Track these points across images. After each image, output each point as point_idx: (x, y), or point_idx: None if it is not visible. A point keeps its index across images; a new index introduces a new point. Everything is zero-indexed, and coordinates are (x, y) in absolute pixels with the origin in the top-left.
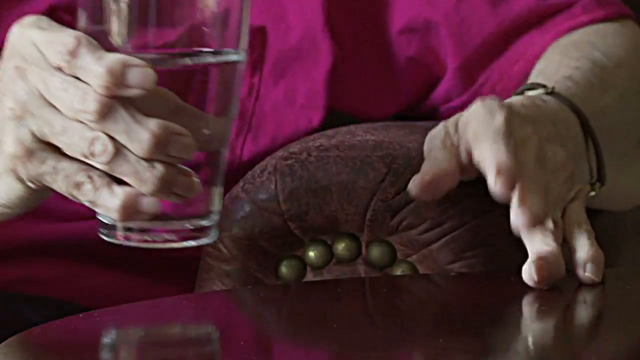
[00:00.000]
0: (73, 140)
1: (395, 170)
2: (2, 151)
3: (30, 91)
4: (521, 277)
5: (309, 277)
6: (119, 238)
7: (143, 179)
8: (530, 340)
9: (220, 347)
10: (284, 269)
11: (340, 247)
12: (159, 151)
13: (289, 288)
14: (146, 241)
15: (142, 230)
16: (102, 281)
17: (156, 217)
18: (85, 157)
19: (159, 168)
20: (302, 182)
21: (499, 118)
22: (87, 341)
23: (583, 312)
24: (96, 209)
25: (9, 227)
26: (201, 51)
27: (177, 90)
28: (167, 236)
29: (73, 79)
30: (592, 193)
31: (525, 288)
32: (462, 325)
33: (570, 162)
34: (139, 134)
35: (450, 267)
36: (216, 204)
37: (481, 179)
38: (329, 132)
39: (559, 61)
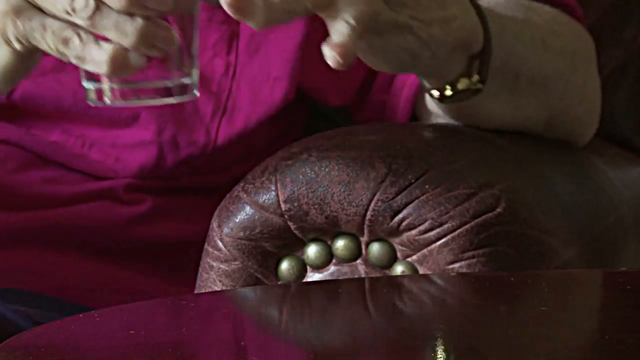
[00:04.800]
0: None
1: (395, 171)
2: None
3: None
4: (521, 277)
5: (309, 277)
6: (104, 99)
7: (124, 31)
8: (530, 340)
9: (220, 347)
10: (284, 269)
11: (340, 247)
12: (136, 3)
13: (289, 288)
14: (129, 99)
15: (124, 91)
16: (84, 272)
17: (137, 77)
18: (67, 13)
19: (139, 20)
20: (302, 182)
21: None
22: (87, 341)
23: (583, 312)
24: (84, 65)
25: None
26: None
27: None
28: (149, 95)
29: None
30: (473, 87)
31: (525, 288)
32: (462, 325)
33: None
34: None
35: (450, 267)
36: (194, 63)
37: (483, 183)
38: (329, 132)
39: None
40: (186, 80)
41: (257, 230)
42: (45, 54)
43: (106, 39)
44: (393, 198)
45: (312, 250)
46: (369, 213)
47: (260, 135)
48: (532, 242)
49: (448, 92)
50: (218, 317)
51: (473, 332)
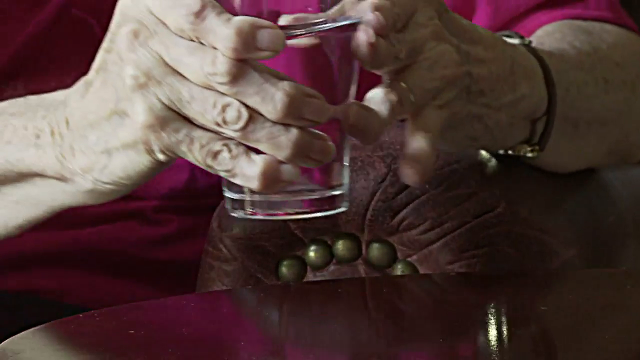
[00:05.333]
0: (203, 108)
1: (395, 171)
2: (125, 124)
3: (152, 57)
4: (521, 277)
5: (309, 277)
6: (247, 213)
7: (279, 143)
8: (530, 340)
9: (220, 347)
10: (284, 269)
11: (340, 247)
12: (294, 113)
13: (289, 288)
14: (275, 214)
15: (271, 203)
16: (107, 292)
17: (283, 189)
18: (218, 125)
19: (294, 131)
20: None
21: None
22: (87, 341)
23: (583, 312)
24: (234, 179)
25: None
26: (317, 22)
27: (299, 59)
28: (296, 208)
29: (198, 42)
30: (530, 154)
31: (525, 288)
32: (462, 325)
33: (462, 68)
34: (273, 95)
35: (450, 267)
36: (345, 173)
37: (483, 183)
38: None
39: (558, 33)
40: (337, 192)
41: (257, 230)
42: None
43: (257, 150)
44: (393, 198)
45: (312, 250)
46: (369, 213)
47: None
48: (532, 242)
49: (501, 152)
50: (218, 317)
51: (473, 332)
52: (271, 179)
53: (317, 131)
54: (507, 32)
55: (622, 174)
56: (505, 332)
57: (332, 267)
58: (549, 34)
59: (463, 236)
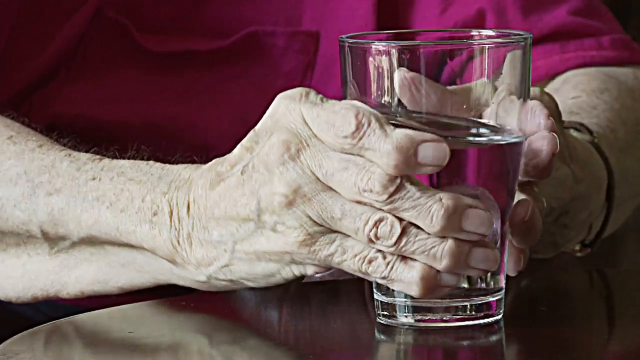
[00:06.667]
0: (355, 225)
1: None
2: (269, 236)
3: (303, 174)
4: (522, 277)
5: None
6: (397, 317)
7: (434, 255)
8: (530, 340)
9: (220, 347)
10: None
11: None
12: (453, 226)
13: (289, 288)
14: (429, 320)
15: (425, 308)
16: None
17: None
18: (370, 240)
19: (450, 242)
20: None
21: None
22: (87, 341)
23: (583, 312)
24: (391, 285)
25: None
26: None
27: (457, 167)
28: (449, 314)
29: (352, 156)
30: (578, 254)
31: (525, 288)
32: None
33: (573, 192)
34: (431, 209)
35: None
36: (504, 276)
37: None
38: None
39: (595, 95)
40: (496, 297)
41: None
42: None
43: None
44: None
45: None
46: None
47: None
48: None
49: None
50: (218, 317)
51: (472, 331)
52: (431, 285)
53: (482, 240)
54: (577, 124)
55: None
56: (504, 332)
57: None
58: (588, 94)
59: None
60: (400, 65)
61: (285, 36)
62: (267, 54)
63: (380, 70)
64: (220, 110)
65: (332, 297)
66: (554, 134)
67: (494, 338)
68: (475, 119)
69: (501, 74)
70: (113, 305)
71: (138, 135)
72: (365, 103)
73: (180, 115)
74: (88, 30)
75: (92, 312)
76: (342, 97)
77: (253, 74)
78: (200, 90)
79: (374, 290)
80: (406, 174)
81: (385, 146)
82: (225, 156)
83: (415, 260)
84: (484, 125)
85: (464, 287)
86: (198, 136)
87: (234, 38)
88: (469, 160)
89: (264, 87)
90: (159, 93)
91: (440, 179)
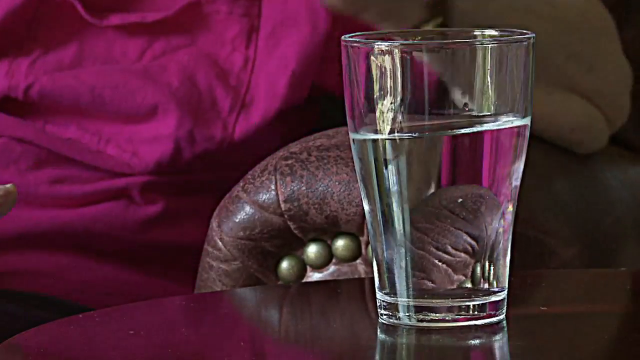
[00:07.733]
0: None
1: None
2: None
3: None
4: (521, 277)
5: (309, 277)
6: (402, 318)
7: None
8: (529, 340)
9: (220, 348)
10: (284, 269)
11: (340, 247)
12: None
13: (289, 288)
14: (432, 320)
15: (428, 308)
16: (95, 276)
17: (441, 294)
18: None
19: None
20: (302, 182)
21: None
22: (87, 341)
23: (583, 313)
24: None
25: None
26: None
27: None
28: (452, 314)
29: None
30: None
31: (525, 288)
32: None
33: None
34: None
35: None
36: (506, 278)
37: None
38: (330, 131)
39: None
40: (499, 297)
41: (256, 230)
42: (64, 48)
43: None
44: None
45: (312, 250)
46: None
47: (275, 131)
48: (532, 242)
49: None
50: (218, 317)
51: (475, 332)
52: None
53: None
54: None
55: (620, 173)
56: (504, 332)
57: (332, 267)
58: None
59: None
60: (402, 65)
61: (227, 1)
62: (212, 20)
63: (382, 70)
64: (170, 76)
65: (332, 297)
66: None
67: (496, 338)
68: (475, 115)
69: (503, 73)
70: (98, 290)
71: (90, 101)
72: (365, 103)
73: (129, 81)
74: (37, 7)
75: (92, 312)
76: (291, 59)
77: (199, 41)
78: (149, 58)
79: (376, 290)
80: None
81: None
82: None
83: None
84: (485, 122)
85: (467, 287)
86: (149, 99)
87: (177, 7)
88: (475, 155)
89: (211, 53)
90: (107, 63)
91: (443, 177)
